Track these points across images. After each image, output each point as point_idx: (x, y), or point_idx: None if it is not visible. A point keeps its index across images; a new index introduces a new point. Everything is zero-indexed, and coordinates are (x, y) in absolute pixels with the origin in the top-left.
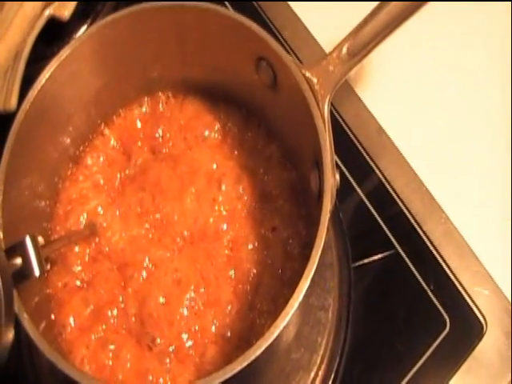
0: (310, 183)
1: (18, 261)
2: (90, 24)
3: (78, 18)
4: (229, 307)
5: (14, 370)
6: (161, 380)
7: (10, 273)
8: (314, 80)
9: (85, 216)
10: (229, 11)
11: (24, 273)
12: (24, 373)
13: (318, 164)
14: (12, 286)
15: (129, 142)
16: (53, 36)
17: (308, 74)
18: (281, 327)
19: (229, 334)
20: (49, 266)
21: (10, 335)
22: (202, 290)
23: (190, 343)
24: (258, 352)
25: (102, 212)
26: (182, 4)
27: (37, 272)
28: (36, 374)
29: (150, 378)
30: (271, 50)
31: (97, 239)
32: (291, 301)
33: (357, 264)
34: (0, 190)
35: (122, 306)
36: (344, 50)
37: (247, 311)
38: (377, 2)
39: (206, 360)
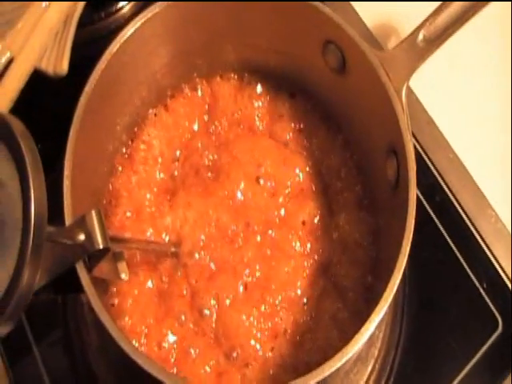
0: (385, 172)
1: (81, 236)
2: None
3: None
4: (304, 299)
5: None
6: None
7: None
8: (391, 65)
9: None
10: None
11: (87, 246)
12: (70, 349)
13: (396, 152)
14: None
15: (182, 131)
16: (100, 1)
17: (384, 59)
18: (381, 314)
19: (295, 328)
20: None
21: (33, 277)
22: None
23: (258, 345)
24: (362, 341)
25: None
26: None
27: (99, 245)
28: (82, 349)
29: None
30: (344, 33)
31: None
32: (385, 295)
33: None
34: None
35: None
36: (420, 36)
37: (317, 303)
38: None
39: (273, 356)
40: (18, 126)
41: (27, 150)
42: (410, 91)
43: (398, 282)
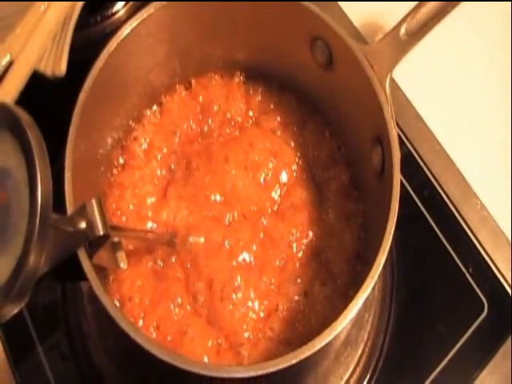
0: (371, 160)
1: (83, 224)
2: None
3: None
4: (298, 280)
5: (61, 336)
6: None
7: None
8: (375, 58)
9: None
10: None
11: (88, 232)
12: (70, 339)
13: (381, 140)
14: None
15: (176, 128)
16: (96, 4)
17: (368, 53)
18: (368, 291)
19: (289, 306)
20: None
21: (38, 261)
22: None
23: (252, 326)
24: (351, 316)
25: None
26: None
27: (100, 232)
28: (83, 342)
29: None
30: (330, 29)
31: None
32: (371, 273)
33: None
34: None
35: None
36: (402, 30)
37: (310, 284)
38: None
39: (268, 333)
40: (24, 116)
41: (34, 139)
42: (396, 86)
43: (383, 260)
